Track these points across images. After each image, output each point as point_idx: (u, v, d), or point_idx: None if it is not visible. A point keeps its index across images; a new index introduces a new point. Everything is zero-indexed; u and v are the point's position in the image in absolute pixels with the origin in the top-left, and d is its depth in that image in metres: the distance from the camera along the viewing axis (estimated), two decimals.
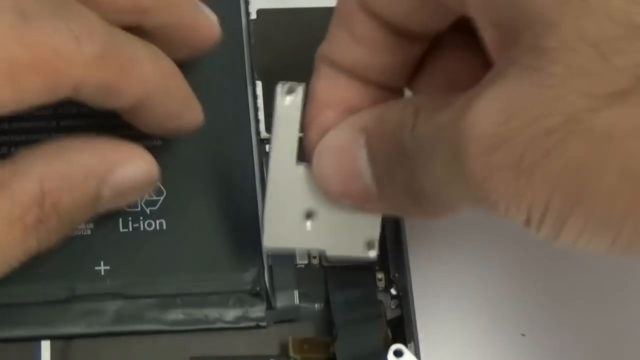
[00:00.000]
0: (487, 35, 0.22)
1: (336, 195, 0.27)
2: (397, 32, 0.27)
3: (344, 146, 0.27)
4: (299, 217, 0.28)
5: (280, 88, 0.27)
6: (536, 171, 0.20)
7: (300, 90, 0.27)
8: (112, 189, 0.27)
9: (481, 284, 0.33)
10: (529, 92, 0.20)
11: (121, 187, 0.28)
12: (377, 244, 0.28)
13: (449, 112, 0.22)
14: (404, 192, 0.25)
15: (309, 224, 0.28)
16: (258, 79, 0.32)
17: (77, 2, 0.26)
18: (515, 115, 0.20)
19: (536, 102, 0.20)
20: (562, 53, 0.19)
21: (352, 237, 0.28)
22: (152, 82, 0.27)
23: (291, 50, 0.33)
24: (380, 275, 0.31)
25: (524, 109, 0.20)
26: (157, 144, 0.31)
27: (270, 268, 0.30)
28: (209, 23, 0.30)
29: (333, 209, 0.28)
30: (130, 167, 0.28)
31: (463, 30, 0.26)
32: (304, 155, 0.28)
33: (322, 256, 0.31)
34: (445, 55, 0.28)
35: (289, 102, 0.27)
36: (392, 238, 0.31)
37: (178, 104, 0.29)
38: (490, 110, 0.20)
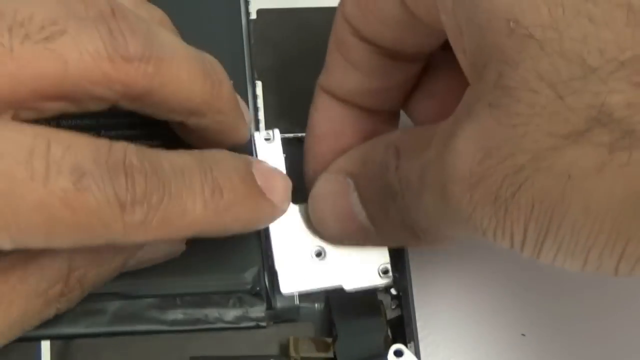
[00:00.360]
0: (460, 58, 0.23)
1: (336, 238, 0.28)
2: (391, 54, 0.27)
3: (336, 192, 0.27)
4: (309, 258, 0.29)
5: (257, 136, 0.28)
6: (510, 206, 0.21)
7: (277, 134, 0.27)
8: (138, 260, 0.27)
9: (481, 284, 0.33)
10: (499, 131, 0.21)
11: (147, 259, 0.28)
12: (390, 268, 0.29)
13: (430, 152, 0.24)
14: (400, 227, 0.26)
15: (321, 263, 0.29)
16: (258, 79, 0.32)
17: (133, 150, 0.24)
18: (489, 154, 0.21)
19: (505, 141, 0.21)
20: (524, 93, 0.20)
21: (366, 268, 0.29)
22: (201, 226, 0.25)
23: (291, 50, 0.33)
24: None
25: (495, 147, 0.21)
26: (156, 144, 0.30)
27: (270, 268, 0.30)
28: (244, 128, 0.28)
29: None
30: (160, 243, 0.28)
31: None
32: (305, 185, 0.29)
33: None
34: (438, 74, 0.28)
35: (269, 148, 0.27)
36: None
37: (234, 230, 0.27)
38: (467, 150, 0.22)
